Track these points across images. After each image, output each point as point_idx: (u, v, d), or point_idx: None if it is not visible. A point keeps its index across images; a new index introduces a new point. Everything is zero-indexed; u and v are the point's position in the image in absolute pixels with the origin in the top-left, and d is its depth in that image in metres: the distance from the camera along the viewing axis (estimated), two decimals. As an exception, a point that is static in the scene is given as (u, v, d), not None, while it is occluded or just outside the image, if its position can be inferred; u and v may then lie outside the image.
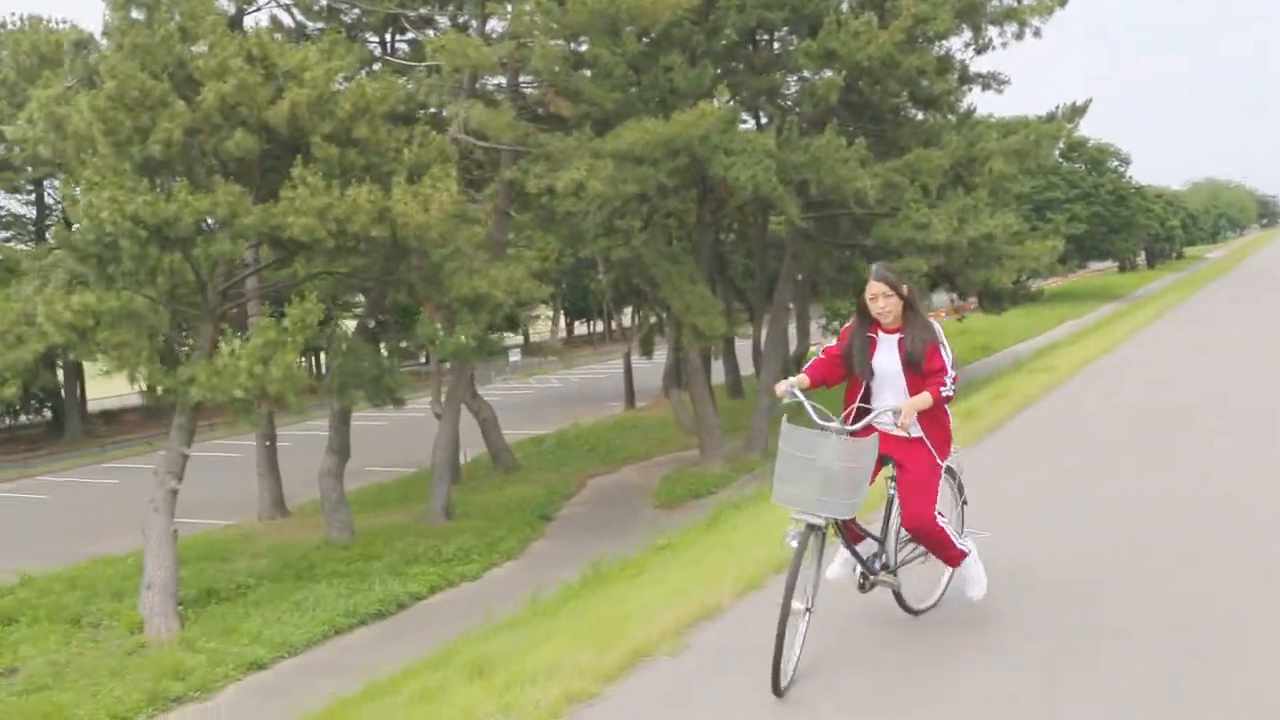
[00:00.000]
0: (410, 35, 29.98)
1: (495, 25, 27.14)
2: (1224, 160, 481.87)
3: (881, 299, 5.40)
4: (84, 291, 20.08)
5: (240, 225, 20.44)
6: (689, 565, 14.13)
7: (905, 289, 5.42)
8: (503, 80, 29.49)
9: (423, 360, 49.53)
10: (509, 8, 25.62)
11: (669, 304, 28.71)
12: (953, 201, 29.84)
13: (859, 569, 5.44)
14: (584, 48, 28.73)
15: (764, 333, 34.47)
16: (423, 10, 29.01)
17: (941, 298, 51.02)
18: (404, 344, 33.73)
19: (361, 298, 29.43)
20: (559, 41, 26.36)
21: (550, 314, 69.16)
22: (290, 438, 35.55)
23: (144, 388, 22.07)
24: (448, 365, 28.32)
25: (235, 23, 25.63)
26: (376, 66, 27.71)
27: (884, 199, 29.82)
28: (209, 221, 21.08)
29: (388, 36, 30.22)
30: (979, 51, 33.69)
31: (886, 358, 5.50)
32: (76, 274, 21.32)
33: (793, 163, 27.74)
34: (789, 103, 33.75)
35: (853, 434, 5.15)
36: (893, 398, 5.42)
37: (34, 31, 37.14)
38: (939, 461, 5.49)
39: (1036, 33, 32.72)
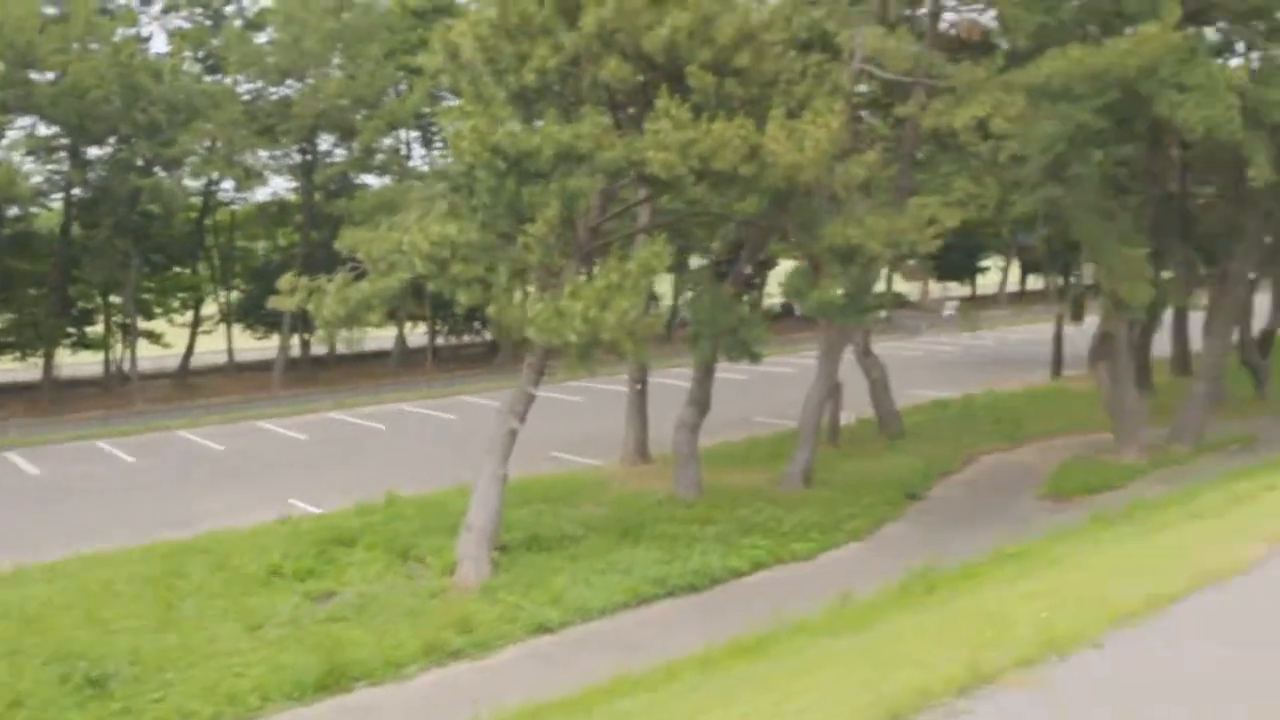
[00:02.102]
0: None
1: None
2: None
3: None
4: (447, 222, 19.92)
5: (603, 159, 19.44)
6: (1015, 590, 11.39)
7: None
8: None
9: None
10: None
11: (1096, 266, 24.84)
12: None
13: None
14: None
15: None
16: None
17: None
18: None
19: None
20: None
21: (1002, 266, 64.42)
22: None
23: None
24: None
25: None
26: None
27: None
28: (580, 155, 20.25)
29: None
30: None
31: None
32: (453, 205, 21.33)
33: (1272, 101, 22.87)
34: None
35: None
36: None
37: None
38: None
39: None
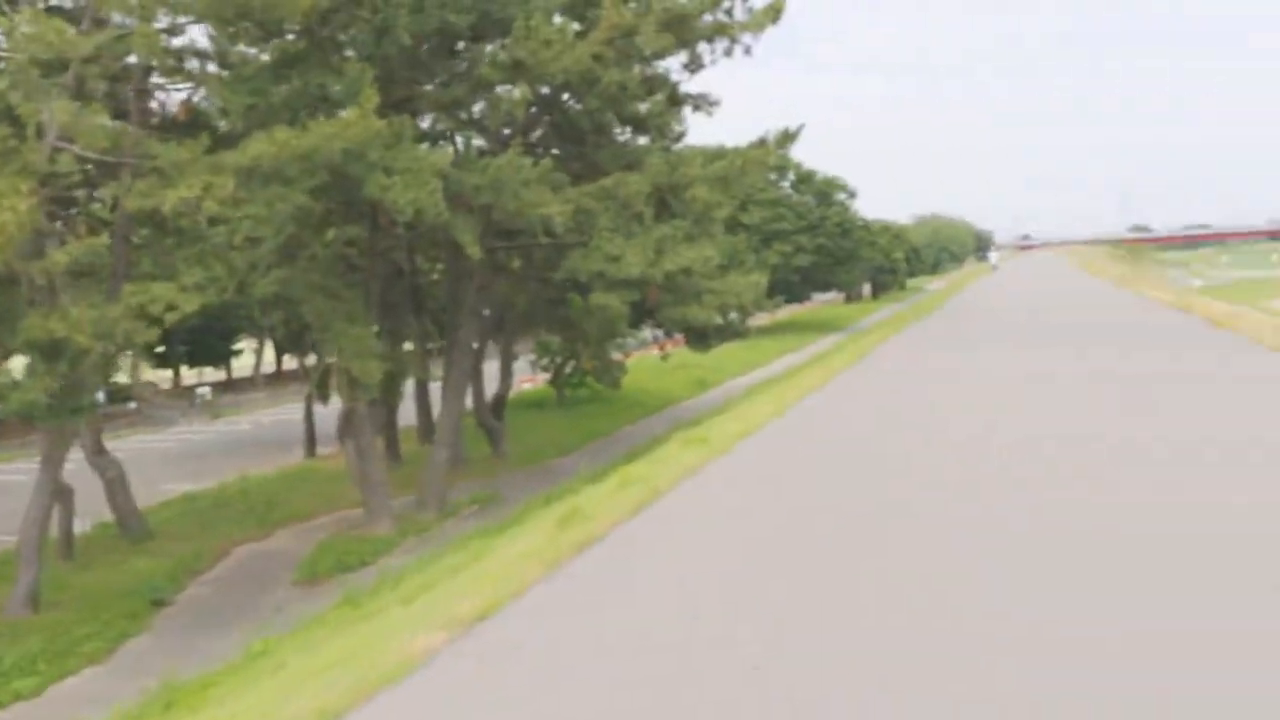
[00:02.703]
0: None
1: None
2: (948, 197, 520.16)
3: None
4: None
5: None
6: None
7: None
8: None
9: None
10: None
11: (327, 346, 25.18)
12: (650, 232, 27.38)
13: None
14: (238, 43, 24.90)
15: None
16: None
17: (648, 333, 49.44)
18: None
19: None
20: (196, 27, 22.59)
21: (256, 346, 63.56)
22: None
23: None
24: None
25: None
26: None
27: (577, 227, 27.18)
28: None
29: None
30: (692, 70, 31.57)
31: None
32: None
33: (471, 185, 24.68)
34: (483, 121, 30.77)
35: None
36: None
37: None
38: None
39: (747, 50, 30.96)
